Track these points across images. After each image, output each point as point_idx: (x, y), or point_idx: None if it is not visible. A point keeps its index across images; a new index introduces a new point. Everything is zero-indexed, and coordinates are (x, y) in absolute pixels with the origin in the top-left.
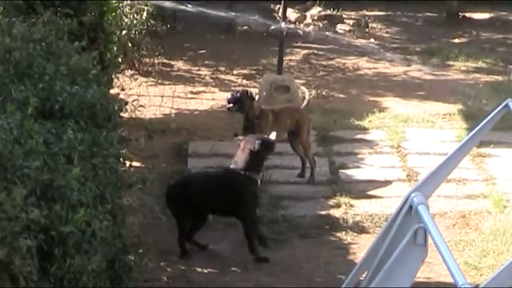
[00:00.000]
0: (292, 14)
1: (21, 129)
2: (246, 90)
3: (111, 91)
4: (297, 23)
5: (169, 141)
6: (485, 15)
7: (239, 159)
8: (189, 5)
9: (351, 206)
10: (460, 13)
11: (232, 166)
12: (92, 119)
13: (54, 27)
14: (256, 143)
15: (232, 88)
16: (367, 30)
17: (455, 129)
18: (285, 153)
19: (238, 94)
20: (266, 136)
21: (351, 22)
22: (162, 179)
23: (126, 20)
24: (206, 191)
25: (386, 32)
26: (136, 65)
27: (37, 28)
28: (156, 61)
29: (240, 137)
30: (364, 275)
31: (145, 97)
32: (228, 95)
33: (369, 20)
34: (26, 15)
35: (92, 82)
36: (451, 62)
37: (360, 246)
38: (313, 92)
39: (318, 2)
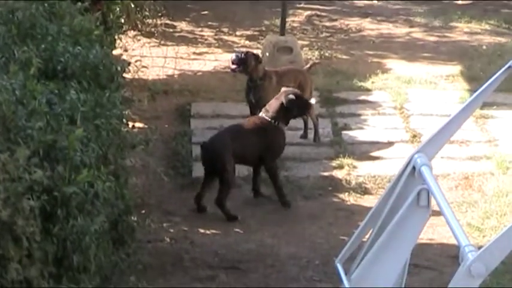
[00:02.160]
0: None
1: (24, 90)
2: (251, 52)
3: (114, 52)
4: None
5: (172, 102)
6: None
7: (271, 108)
8: None
9: (354, 167)
10: None
11: (262, 113)
12: (95, 80)
13: None
14: (288, 98)
15: (236, 49)
16: None
17: (458, 90)
18: None
19: (243, 55)
20: (301, 94)
21: None
22: (165, 140)
23: None
24: (241, 141)
25: None
26: (139, 26)
27: None
28: (158, 22)
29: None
30: (367, 236)
31: (148, 58)
32: (232, 55)
33: None
34: None
35: (95, 43)
36: (454, 24)
37: (363, 208)
38: (316, 53)
39: None
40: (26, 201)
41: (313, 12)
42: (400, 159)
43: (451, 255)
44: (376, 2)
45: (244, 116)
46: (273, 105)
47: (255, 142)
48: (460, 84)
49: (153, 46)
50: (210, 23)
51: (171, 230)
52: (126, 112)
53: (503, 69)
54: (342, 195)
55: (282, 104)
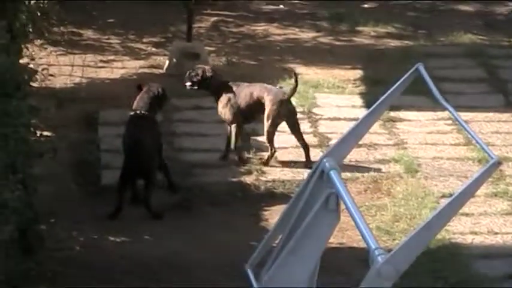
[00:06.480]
0: None
1: None
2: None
3: (21, 61)
4: None
5: (79, 110)
6: None
7: (142, 102)
8: None
9: (263, 172)
10: None
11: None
12: (1, 89)
13: None
14: (160, 89)
15: (143, 56)
16: None
17: (365, 94)
18: (195, 120)
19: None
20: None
21: None
22: (73, 148)
23: None
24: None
25: None
26: (46, 34)
27: None
28: (65, 30)
29: None
30: (277, 242)
31: (56, 66)
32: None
33: None
34: None
35: (1, 52)
36: (360, 28)
37: (272, 213)
38: (223, 59)
39: None
40: None
41: (220, 18)
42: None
43: (361, 258)
44: (282, 7)
45: None
46: (144, 99)
47: (154, 137)
48: (366, 88)
49: (60, 54)
50: (116, 30)
51: (81, 239)
52: (34, 121)
53: (410, 72)
54: (251, 201)
55: (154, 95)
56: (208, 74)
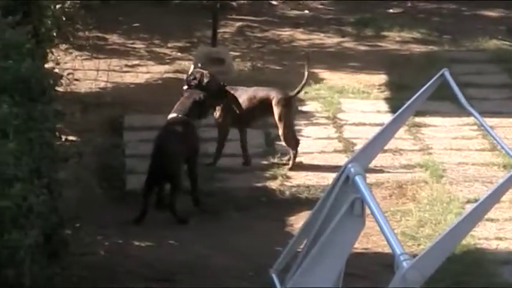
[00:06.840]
0: None
1: None
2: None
3: (46, 65)
4: None
5: (104, 115)
6: None
7: (183, 107)
8: None
9: (288, 177)
10: None
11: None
12: (27, 93)
13: None
14: (202, 95)
15: (168, 60)
16: (300, 1)
17: (390, 99)
18: None
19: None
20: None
21: None
22: (98, 153)
23: None
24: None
25: (321, 4)
26: (71, 39)
27: None
28: (90, 35)
29: None
30: (301, 247)
31: (81, 71)
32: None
33: None
34: None
35: (26, 56)
36: (385, 33)
37: (297, 218)
38: (248, 64)
39: None
40: None
41: (245, 23)
42: (333, 169)
43: (386, 264)
44: (307, 12)
45: None
46: (185, 104)
47: (186, 142)
48: (392, 93)
49: (85, 59)
50: (141, 35)
51: (106, 243)
52: (59, 125)
53: (435, 77)
54: (275, 206)
55: (196, 101)
56: (206, 78)
